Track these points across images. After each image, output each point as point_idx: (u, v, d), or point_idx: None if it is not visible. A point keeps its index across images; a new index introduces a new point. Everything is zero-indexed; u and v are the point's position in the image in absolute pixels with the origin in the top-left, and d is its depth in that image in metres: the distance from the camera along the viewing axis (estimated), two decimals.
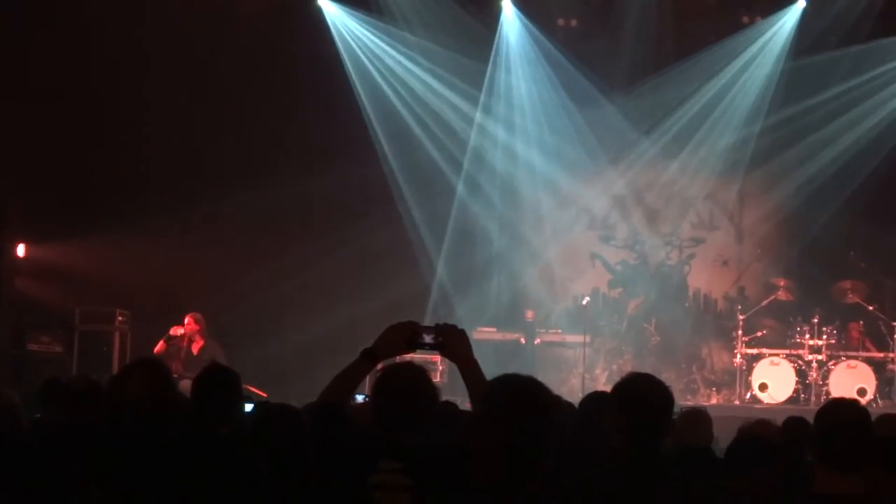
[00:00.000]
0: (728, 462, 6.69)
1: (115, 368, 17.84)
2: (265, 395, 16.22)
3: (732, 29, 20.97)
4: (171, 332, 17.64)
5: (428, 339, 5.73)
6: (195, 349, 17.71)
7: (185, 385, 10.25)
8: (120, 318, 19.49)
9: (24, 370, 18.33)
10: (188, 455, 5.64)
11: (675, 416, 6.10)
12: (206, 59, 20.67)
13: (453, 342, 5.72)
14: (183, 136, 20.81)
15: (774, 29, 20.77)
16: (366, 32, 21.04)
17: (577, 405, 7.66)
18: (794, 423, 7.91)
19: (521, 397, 4.17)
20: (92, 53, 19.66)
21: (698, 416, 8.23)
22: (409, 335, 5.75)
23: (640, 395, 5.35)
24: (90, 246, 19.80)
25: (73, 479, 5.09)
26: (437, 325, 5.76)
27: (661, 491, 5.25)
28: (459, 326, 5.82)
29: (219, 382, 6.43)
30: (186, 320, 17.78)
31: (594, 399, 7.34)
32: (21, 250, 19.93)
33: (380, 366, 5.91)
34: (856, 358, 19.08)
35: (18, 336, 18.91)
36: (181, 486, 5.45)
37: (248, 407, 8.43)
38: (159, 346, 17.52)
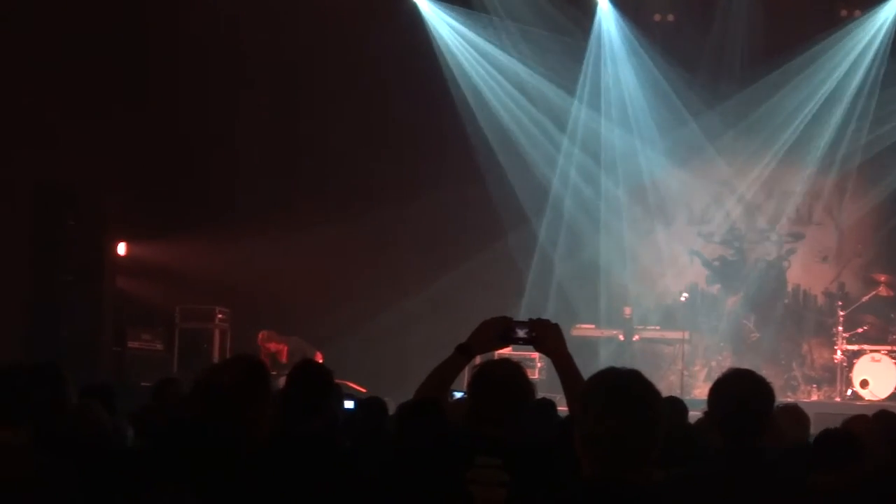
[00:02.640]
0: (816, 455, 6.62)
1: None
2: (364, 390, 16.33)
3: (830, 23, 20.74)
4: None
5: (521, 333, 5.72)
6: (283, 359, 17.88)
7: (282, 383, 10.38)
8: (220, 315, 19.71)
9: (124, 368, 18.59)
10: (281, 452, 5.66)
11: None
12: (300, 59, 20.81)
13: (546, 337, 5.71)
14: (280, 133, 20.97)
15: (874, 23, 20.51)
16: (460, 28, 21.07)
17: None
18: (887, 418, 7.84)
19: (625, 390, 4.17)
20: (187, 55, 19.85)
21: (794, 413, 8.18)
22: (502, 330, 5.75)
23: (738, 393, 5.33)
24: (190, 244, 19.98)
25: (164, 480, 5.06)
26: (530, 319, 5.76)
27: (759, 487, 5.23)
28: (555, 322, 5.82)
29: (309, 378, 6.41)
30: (259, 346, 17.99)
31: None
32: (122, 249, 20.14)
33: (478, 360, 5.93)
34: None
35: (119, 334, 19.11)
36: (274, 484, 5.48)
37: (349, 404, 8.45)
38: None
